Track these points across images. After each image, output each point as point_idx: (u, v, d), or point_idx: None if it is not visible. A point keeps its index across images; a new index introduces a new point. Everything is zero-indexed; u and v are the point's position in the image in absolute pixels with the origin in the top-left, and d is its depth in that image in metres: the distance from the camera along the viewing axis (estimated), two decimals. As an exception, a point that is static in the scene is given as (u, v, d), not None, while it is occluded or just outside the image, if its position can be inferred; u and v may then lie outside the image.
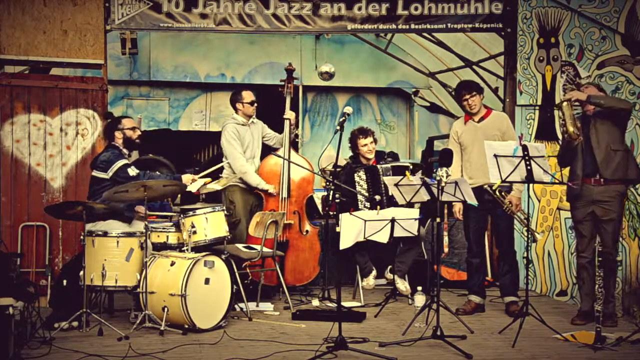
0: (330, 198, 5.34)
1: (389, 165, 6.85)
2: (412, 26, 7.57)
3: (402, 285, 6.55)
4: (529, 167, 5.37)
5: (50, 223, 6.83)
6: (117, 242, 5.76)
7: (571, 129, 5.68)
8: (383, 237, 5.88)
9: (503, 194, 6.03)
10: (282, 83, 7.21)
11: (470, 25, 7.54)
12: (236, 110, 6.99)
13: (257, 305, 6.46)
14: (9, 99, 6.91)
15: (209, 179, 6.54)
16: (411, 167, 7.00)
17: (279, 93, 7.26)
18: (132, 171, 6.00)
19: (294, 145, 8.07)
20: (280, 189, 6.90)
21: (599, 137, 5.74)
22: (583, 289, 5.97)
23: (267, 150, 7.14)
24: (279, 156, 6.78)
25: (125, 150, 6.20)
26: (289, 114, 7.05)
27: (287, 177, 6.94)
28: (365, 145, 6.85)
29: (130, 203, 6.00)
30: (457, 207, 6.30)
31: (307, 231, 7.00)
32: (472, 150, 6.28)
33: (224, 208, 6.22)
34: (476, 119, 6.30)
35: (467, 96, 6.23)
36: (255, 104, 7.00)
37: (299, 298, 6.88)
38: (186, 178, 6.34)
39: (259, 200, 6.96)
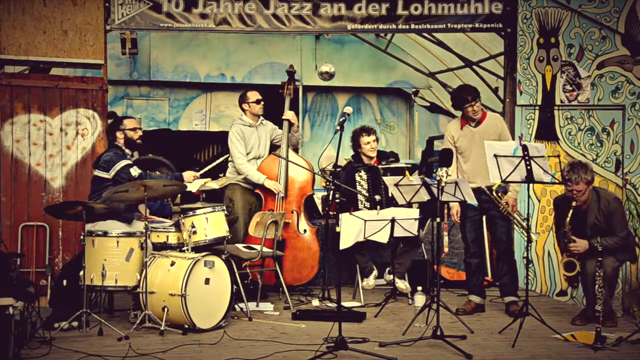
0: (330, 198, 5.33)
1: (390, 167, 6.84)
2: (412, 26, 7.56)
3: (402, 284, 6.55)
4: (529, 167, 5.37)
5: (50, 223, 6.83)
6: (117, 242, 5.76)
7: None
8: (383, 237, 5.88)
9: (500, 194, 6.03)
10: (283, 84, 7.23)
11: (470, 25, 7.53)
12: (244, 111, 7.03)
13: (257, 305, 6.46)
14: (9, 99, 6.90)
15: (209, 179, 6.55)
16: (409, 166, 6.99)
17: (279, 93, 7.28)
18: (134, 171, 6.00)
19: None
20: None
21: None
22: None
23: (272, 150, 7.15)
24: (279, 156, 6.79)
25: (127, 151, 6.21)
26: (287, 115, 7.07)
27: (284, 177, 6.95)
28: (368, 143, 6.85)
29: (130, 204, 6.00)
30: (455, 210, 6.29)
31: (305, 230, 7.00)
32: (470, 155, 6.26)
33: (224, 208, 6.22)
34: (473, 124, 6.28)
35: (472, 102, 6.19)
36: (262, 103, 7.02)
37: (299, 298, 6.88)
38: (187, 176, 6.35)
39: (259, 201, 6.97)
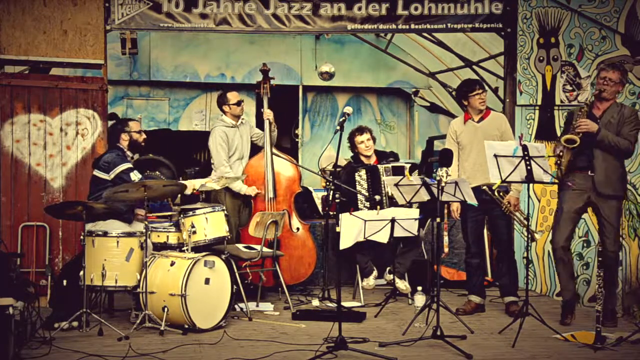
0: (330, 198, 5.33)
1: (389, 166, 6.85)
2: (412, 26, 7.57)
3: (402, 284, 6.55)
4: (529, 167, 5.37)
5: (50, 223, 6.83)
6: (117, 242, 5.76)
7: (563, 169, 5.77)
8: (383, 237, 5.88)
9: (501, 194, 6.03)
10: (258, 84, 7.21)
11: (470, 25, 7.54)
12: (224, 112, 7.01)
13: (257, 305, 6.46)
14: (9, 99, 6.90)
15: (209, 179, 6.55)
16: (408, 166, 7.00)
17: (278, 93, 7.26)
18: (135, 176, 5.99)
19: (293, 145, 8.10)
20: (266, 189, 6.91)
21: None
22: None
23: (256, 150, 7.14)
24: (276, 154, 6.79)
25: (129, 153, 6.20)
26: (268, 114, 7.04)
27: (271, 177, 6.95)
28: (362, 142, 6.87)
29: (130, 204, 6.01)
30: (455, 207, 6.30)
31: (298, 229, 7.00)
32: (471, 150, 6.27)
33: (224, 208, 6.22)
34: (476, 119, 6.29)
35: (480, 91, 6.22)
36: (242, 104, 7.02)
37: (299, 298, 6.88)
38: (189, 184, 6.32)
39: (247, 202, 6.96)
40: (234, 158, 6.92)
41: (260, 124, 7.24)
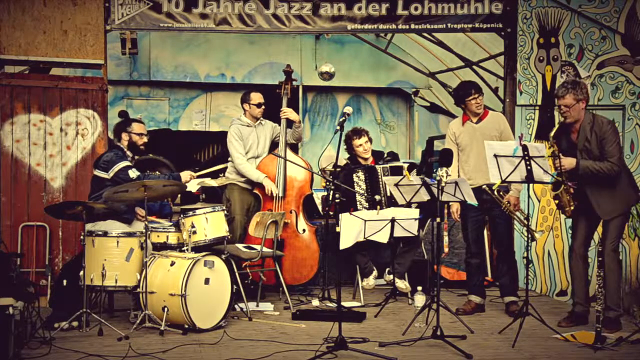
0: (330, 198, 5.34)
1: (387, 166, 6.86)
2: (412, 26, 7.57)
3: (402, 283, 6.56)
4: (529, 167, 5.37)
5: (50, 223, 6.83)
6: (117, 242, 5.76)
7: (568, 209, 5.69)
8: (383, 237, 5.88)
9: (501, 193, 6.03)
10: (280, 84, 7.23)
11: (470, 25, 7.54)
12: (244, 111, 7.04)
13: (257, 305, 6.46)
14: (9, 99, 6.90)
15: (208, 178, 6.56)
16: (406, 166, 7.00)
17: (276, 93, 7.27)
18: (133, 173, 6.00)
19: (294, 145, 8.09)
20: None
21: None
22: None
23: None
24: (277, 155, 6.80)
25: (129, 153, 6.20)
26: (287, 111, 7.05)
27: (282, 176, 6.95)
28: (360, 145, 6.87)
29: (130, 204, 6.01)
30: (455, 208, 6.30)
31: (303, 230, 7.00)
32: (471, 151, 6.27)
33: (224, 208, 6.23)
34: (474, 120, 6.29)
35: (477, 95, 6.22)
36: (263, 107, 7.03)
37: (299, 298, 6.88)
38: (185, 175, 6.36)
39: (257, 200, 6.97)
40: (247, 156, 6.94)
41: (277, 122, 7.24)
